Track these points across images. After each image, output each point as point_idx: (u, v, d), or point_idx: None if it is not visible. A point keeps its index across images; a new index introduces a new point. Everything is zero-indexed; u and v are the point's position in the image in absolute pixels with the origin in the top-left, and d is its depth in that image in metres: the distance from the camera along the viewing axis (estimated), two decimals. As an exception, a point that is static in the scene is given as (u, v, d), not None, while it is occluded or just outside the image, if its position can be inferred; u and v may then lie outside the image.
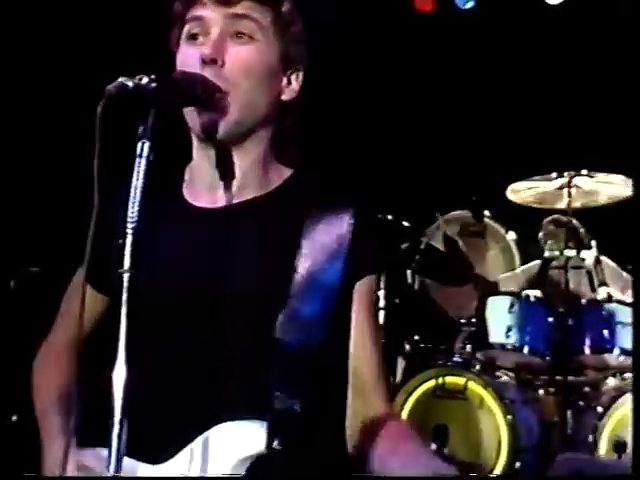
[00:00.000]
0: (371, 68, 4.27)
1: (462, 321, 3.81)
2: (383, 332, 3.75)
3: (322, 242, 1.33)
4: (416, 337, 3.91)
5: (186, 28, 1.38)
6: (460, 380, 3.48)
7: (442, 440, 3.42)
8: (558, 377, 3.50)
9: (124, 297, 1.12)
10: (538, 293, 3.55)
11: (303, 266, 1.31)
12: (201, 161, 1.39)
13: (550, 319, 3.49)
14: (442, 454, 3.42)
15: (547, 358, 3.47)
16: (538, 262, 3.75)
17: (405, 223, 3.86)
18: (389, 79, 4.32)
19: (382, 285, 3.80)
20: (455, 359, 3.63)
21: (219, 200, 1.38)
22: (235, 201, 1.37)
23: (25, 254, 3.72)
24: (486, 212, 4.25)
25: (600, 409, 3.33)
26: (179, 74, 1.31)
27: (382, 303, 3.78)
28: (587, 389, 3.54)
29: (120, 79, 1.17)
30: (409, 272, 3.92)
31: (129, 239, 1.15)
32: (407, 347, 3.91)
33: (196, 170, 1.41)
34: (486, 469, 3.37)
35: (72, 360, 1.42)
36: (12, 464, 3.18)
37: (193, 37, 1.37)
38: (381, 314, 3.77)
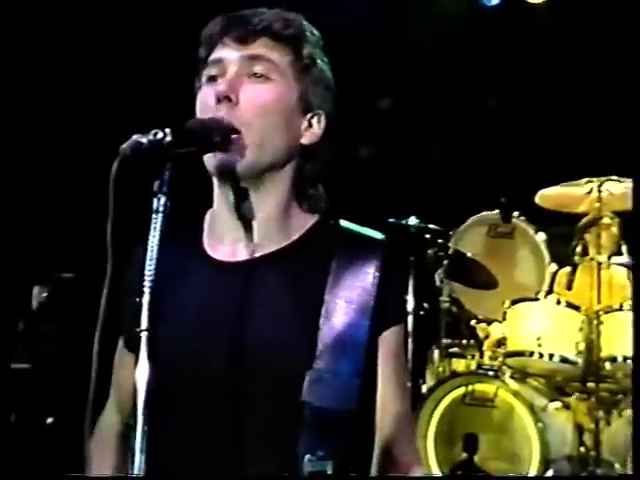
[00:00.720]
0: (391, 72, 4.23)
1: (491, 325, 3.76)
2: (412, 337, 3.74)
3: (348, 295, 1.29)
4: (445, 341, 3.88)
5: (206, 71, 1.35)
6: (490, 388, 3.45)
7: (472, 449, 3.39)
8: (590, 383, 3.45)
9: (142, 357, 1.11)
10: (568, 298, 3.50)
11: (329, 322, 1.27)
12: (221, 206, 1.35)
13: (581, 325, 3.43)
14: (472, 463, 3.41)
15: (578, 365, 3.42)
16: (568, 268, 3.70)
17: (432, 226, 3.83)
18: (415, 82, 4.27)
19: (410, 289, 3.78)
20: (485, 366, 3.59)
21: (240, 252, 1.34)
22: (257, 254, 1.33)
23: (57, 260, 3.75)
24: (515, 213, 4.19)
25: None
26: (194, 123, 1.28)
27: (410, 307, 3.76)
28: (620, 396, 3.48)
29: (134, 137, 1.14)
30: (437, 276, 3.88)
31: (146, 298, 1.12)
32: (436, 352, 3.88)
33: (216, 218, 1.38)
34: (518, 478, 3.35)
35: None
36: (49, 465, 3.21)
37: (212, 79, 1.34)
38: (409, 319, 3.75)
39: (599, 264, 3.44)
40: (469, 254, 3.74)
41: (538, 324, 3.47)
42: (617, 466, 3.30)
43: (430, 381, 3.82)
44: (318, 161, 1.38)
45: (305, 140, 1.36)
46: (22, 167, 3.84)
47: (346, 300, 1.29)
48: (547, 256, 4.02)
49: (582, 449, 3.40)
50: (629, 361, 3.30)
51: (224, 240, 1.36)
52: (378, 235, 1.37)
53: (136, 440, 1.10)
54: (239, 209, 1.33)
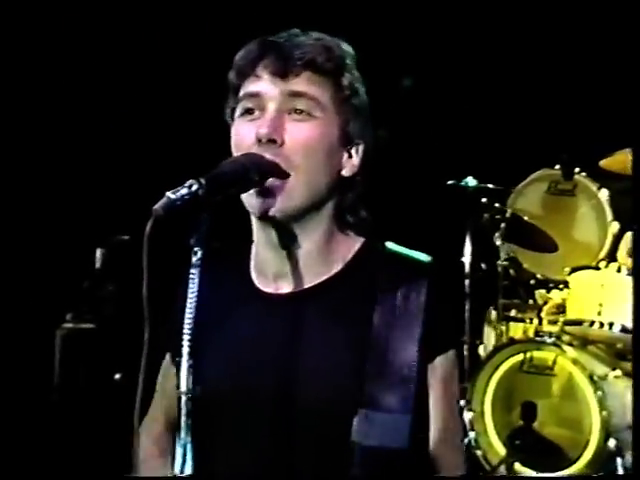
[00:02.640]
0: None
1: (550, 292, 3.70)
2: (469, 301, 3.71)
3: (395, 324, 1.26)
4: (502, 301, 3.83)
5: (241, 103, 1.31)
6: (549, 355, 3.40)
7: (530, 417, 3.38)
8: (652, 350, 3.37)
9: (183, 420, 1.11)
10: (630, 265, 3.40)
11: (376, 354, 1.25)
12: (262, 242, 1.34)
13: (643, 293, 3.34)
14: (531, 429, 3.40)
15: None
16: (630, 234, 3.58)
17: (490, 185, 3.75)
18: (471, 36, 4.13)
19: (468, 251, 3.73)
20: (543, 333, 3.54)
21: (285, 285, 1.33)
22: (302, 287, 1.31)
23: (114, 222, 3.82)
24: (576, 169, 4.05)
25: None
26: (229, 166, 1.24)
27: (467, 269, 3.71)
28: (684, 362, 3.40)
29: (167, 194, 1.11)
30: (495, 237, 3.80)
31: (185, 358, 1.13)
32: (493, 313, 3.83)
33: (259, 251, 1.36)
34: (578, 447, 3.32)
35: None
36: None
37: (248, 112, 1.30)
38: (466, 282, 3.71)
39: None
40: (526, 218, 3.65)
41: (598, 292, 3.39)
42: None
43: (487, 343, 3.80)
44: (357, 190, 1.35)
45: (345, 172, 1.33)
46: (80, 135, 3.89)
47: (393, 330, 1.26)
48: (610, 214, 3.89)
49: (645, 416, 3.35)
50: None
51: (267, 273, 1.34)
52: (425, 258, 1.33)
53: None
54: (281, 245, 1.31)
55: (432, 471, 1.32)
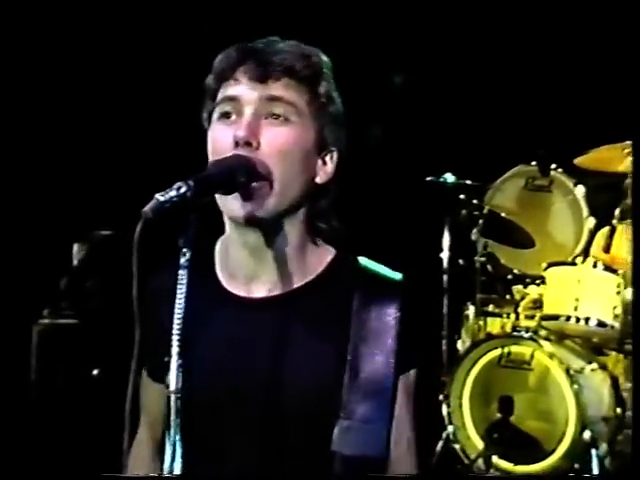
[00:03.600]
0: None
1: (527, 287, 3.74)
2: (447, 296, 3.74)
3: (372, 338, 1.29)
4: (480, 296, 3.86)
5: (218, 107, 1.32)
6: (526, 350, 3.44)
7: (508, 411, 3.42)
8: (627, 345, 3.43)
9: (172, 417, 1.13)
10: (606, 261, 3.46)
11: (355, 365, 1.28)
12: (235, 245, 1.34)
13: (618, 288, 3.39)
14: (508, 423, 3.44)
15: (615, 328, 3.40)
16: (607, 229, 3.63)
17: (468, 182, 3.78)
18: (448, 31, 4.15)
19: (446, 246, 3.76)
20: (521, 328, 3.58)
21: (257, 289, 1.34)
22: (275, 292, 1.33)
23: (94, 217, 3.81)
24: (553, 165, 4.10)
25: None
26: (215, 167, 1.25)
27: (445, 265, 3.75)
28: (658, 355, 3.46)
29: (156, 196, 1.13)
30: (473, 233, 3.84)
31: (174, 358, 1.14)
32: (471, 308, 3.87)
33: (229, 252, 1.37)
34: (554, 439, 3.37)
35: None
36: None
37: (225, 115, 1.31)
38: (444, 277, 3.74)
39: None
40: (504, 214, 3.68)
41: (575, 287, 3.44)
42: (654, 427, 3.30)
43: (465, 338, 3.83)
44: (329, 197, 1.37)
45: (319, 179, 1.35)
46: (60, 125, 3.87)
47: (370, 344, 1.29)
48: (586, 210, 3.93)
49: (619, 410, 3.41)
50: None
51: (238, 276, 1.35)
52: (397, 275, 1.37)
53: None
54: (255, 249, 1.32)
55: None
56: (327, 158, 1.35)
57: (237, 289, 1.35)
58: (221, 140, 1.29)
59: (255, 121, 1.28)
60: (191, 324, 1.24)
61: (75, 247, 4.24)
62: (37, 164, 3.81)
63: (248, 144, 1.27)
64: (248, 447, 1.29)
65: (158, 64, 3.85)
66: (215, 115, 1.33)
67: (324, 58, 1.35)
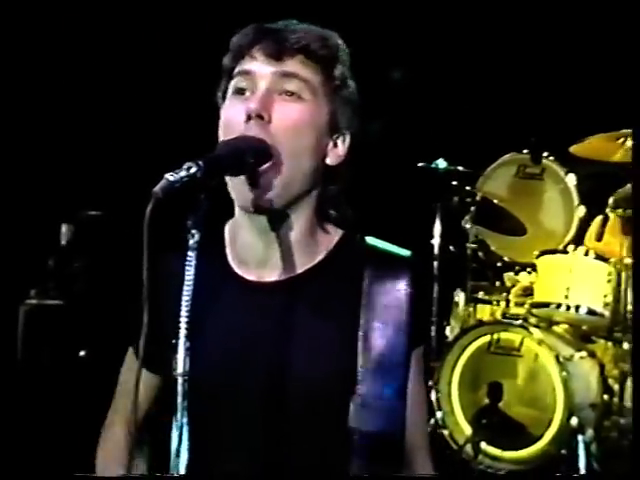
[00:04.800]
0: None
1: (518, 274, 3.76)
2: (437, 282, 3.75)
3: (383, 315, 1.29)
4: (470, 283, 3.87)
5: (233, 82, 1.31)
6: (516, 337, 3.45)
7: (496, 397, 3.44)
8: (617, 333, 3.45)
9: (179, 400, 1.12)
10: (597, 249, 3.47)
11: (368, 343, 1.28)
12: (245, 229, 1.34)
13: (609, 277, 3.41)
14: (496, 408, 3.46)
15: (605, 317, 3.42)
16: (599, 218, 3.65)
17: (460, 168, 3.78)
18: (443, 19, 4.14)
19: (437, 232, 3.77)
20: (511, 315, 3.60)
21: (267, 274, 1.33)
22: (285, 276, 1.32)
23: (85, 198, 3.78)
24: (545, 153, 4.10)
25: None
26: (225, 148, 1.24)
27: (436, 251, 3.75)
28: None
29: (166, 176, 1.11)
30: (465, 220, 3.84)
31: (182, 340, 1.13)
32: (461, 295, 3.88)
33: (239, 236, 1.36)
34: (541, 425, 3.39)
35: (132, 444, 1.39)
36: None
37: (240, 91, 1.30)
38: (435, 264, 3.74)
39: (629, 218, 3.38)
40: (496, 201, 3.69)
41: (566, 275, 3.45)
42: (640, 414, 3.33)
43: (454, 324, 3.84)
44: (340, 181, 1.36)
45: (330, 161, 1.34)
46: (50, 106, 3.83)
47: (382, 320, 1.29)
48: (577, 199, 3.95)
49: (606, 397, 3.44)
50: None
51: (248, 260, 1.34)
52: (405, 252, 1.37)
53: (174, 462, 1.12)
54: (267, 233, 1.32)
55: (405, 454, 1.35)
56: (339, 140, 1.34)
57: (248, 273, 1.34)
58: (233, 115, 1.29)
59: (268, 96, 1.27)
60: (200, 307, 1.23)
61: (63, 228, 4.17)
62: (25, 145, 3.77)
63: (260, 117, 1.26)
64: (258, 431, 1.28)
65: (159, 44, 3.81)
66: (230, 90, 1.32)
67: (341, 42, 1.34)
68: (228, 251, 1.37)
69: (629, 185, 3.55)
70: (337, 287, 1.33)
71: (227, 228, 1.39)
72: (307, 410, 1.27)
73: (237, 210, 1.34)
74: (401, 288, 1.31)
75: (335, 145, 1.34)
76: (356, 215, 1.40)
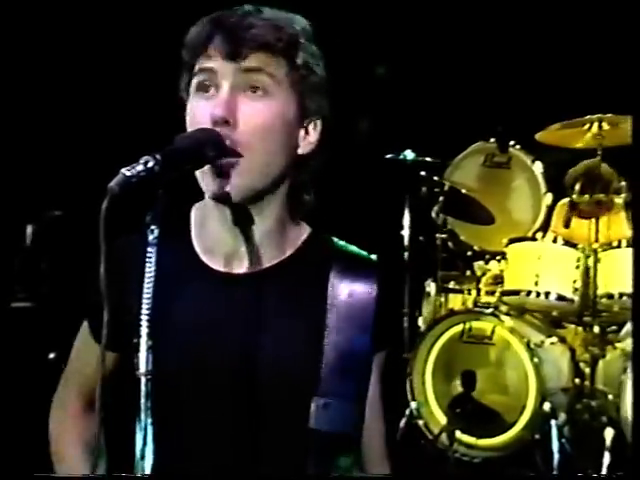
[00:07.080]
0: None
1: (488, 263, 3.77)
2: (408, 273, 3.75)
3: (349, 315, 1.28)
4: (441, 273, 3.88)
5: (195, 79, 1.28)
6: (487, 325, 3.48)
7: (470, 386, 3.45)
8: (586, 318, 3.48)
9: (142, 401, 1.10)
10: (565, 235, 3.49)
11: (332, 342, 1.27)
12: (217, 222, 1.31)
13: (577, 263, 3.44)
14: (470, 397, 3.47)
15: (575, 302, 3.44)
16: (566, 201, 3.67)
17: (428, 159, 3.78)
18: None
19: (406, 223, 3.76)
20: (482, 304, 3.61)
21: (236, 265, 1.31)
22: (255, 268, 1.30)
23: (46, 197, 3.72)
24: (511, 142, 4.12)
25: (629, 349, 3.32)
26: (184, 141, 1.21)
27: (406, 242, 3.75)
28: (614, 328, 3.52)
29: (122, 171, 1.08)
30: (434, 210, 3.84)
31: (144, 339, 1.11)
32: (432, 285, 3.88)
33: (207, 224, 1.33)
34: (515, 412, 3.42)
35: (90, 417, 1.38)
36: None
37: (204, 88, 1.27)
38: (405, 254, 3.75)
39: (598, 202, 3.41)
40: (464, 190, 3.70)
41: (535, 263, 3.47)
42: (610, 397, 3.37)
43: (426, 314, 3.85)
44: (312, 168, 1.34)
45: (302, 150, 1.31)
46: (14, 107, 3.77)
47: (346, 322, 1.28)
48: (544, 186, 3.97)
49: (577, 381, 3.47)
50: (625, 297, 3.32)
51: (215, 250, 1.32)
52: (372, 256, 1.37)
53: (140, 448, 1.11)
54: (236, 225, 1.30)
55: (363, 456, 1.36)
56: (310, 127, 1.31)
57: (216, 264, 1.32)
58: (200, 117, 1.25)
59: (233, 97, 1.24)
60: (165, 297, 1.21)
61: (29, 229, 4.09)
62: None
63: (226, 122, 1.23)
64: (224, 426, 1.27)
65: (111, 37, 3.76)
66: (193, 85, 1.28)
67: (301, 25, 1.29)
68: (194, 238, 1.34)
69: (582, 163, 3.59)
70: (304, 284, 1.31)
71: (194, 212, 1.36)
72: (272, 408, 1.26)
73: (207, 202, 1.31)
74: (366, 291, 1.29)
75: (307, 132, 1.31)
76: (324, 209, 1.38)
